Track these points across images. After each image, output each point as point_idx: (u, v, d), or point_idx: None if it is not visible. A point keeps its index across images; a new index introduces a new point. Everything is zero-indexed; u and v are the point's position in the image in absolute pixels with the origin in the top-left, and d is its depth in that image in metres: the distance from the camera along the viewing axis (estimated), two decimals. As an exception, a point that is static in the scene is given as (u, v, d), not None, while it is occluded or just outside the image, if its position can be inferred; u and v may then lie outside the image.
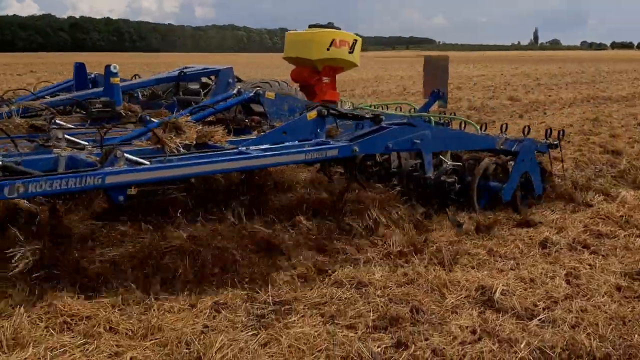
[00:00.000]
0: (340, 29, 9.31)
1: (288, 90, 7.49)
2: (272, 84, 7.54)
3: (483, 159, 5.30)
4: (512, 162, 5.33)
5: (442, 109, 10.06)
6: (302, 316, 3.30)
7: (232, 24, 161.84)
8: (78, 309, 3.21)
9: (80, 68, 8.19)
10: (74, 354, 2.79)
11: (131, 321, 3.16)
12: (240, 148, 4.32)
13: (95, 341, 2.93)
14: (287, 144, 4.64)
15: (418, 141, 4.77)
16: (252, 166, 4.32)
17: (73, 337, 2.97)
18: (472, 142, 5.50)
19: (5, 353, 2.79)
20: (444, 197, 5.08)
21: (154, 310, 3.30)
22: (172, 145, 4.20)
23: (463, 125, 6.47)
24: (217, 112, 5.78)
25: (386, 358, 2.90)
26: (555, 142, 5.79)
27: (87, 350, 2.86)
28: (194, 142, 4.42)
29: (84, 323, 3.12)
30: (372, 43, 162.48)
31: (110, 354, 2.85)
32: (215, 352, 2.80)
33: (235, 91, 5.96)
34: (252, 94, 5.89)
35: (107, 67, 6.73)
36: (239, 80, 8.33)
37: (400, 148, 4.90)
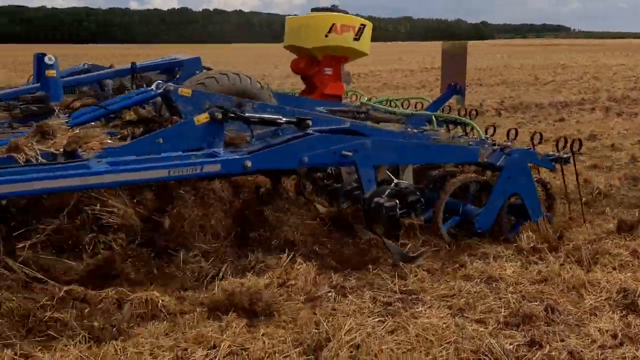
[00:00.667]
0: (347, 12, 7.93)
1: (249, 85, 6.01)
2: (230, 77, 6.02)
3: (461, 175, 4.39)
4: None
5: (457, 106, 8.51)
6: (429, 307, 3.26)
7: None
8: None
9: (40, 59, 6.80)
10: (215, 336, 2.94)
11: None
12: (91, 161, 3.39)
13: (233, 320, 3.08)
14: (155, 155, 3.61)
15: (349, 153, 3.80)
16: (84, 185, 3.23)
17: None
18: (443, 154, 4.35)
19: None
20: (387, 224, 3.89)
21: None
22: (30, 153, 3.50)
23: (466, 129, 5.50)
24: (109, 113, 4.93)
25: (518, 356, 2.79)
26: (566, 155, 4.59)
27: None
28: (62, 149, 3.68)
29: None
30: (500, 31, 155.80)
31: (244, 330, 3.00)
32: (344, 334, 2.85)
33: (153, 86, 4.89)
34: (160, 91, 4.86)
35: (41, 58, 6.06)
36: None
37: (322, 162, 3.94)
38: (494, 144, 4.46)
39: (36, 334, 2.88)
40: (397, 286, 3.52)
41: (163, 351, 2.77)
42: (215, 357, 2.73)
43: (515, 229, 4.45)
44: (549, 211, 4.64)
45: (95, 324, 2.95)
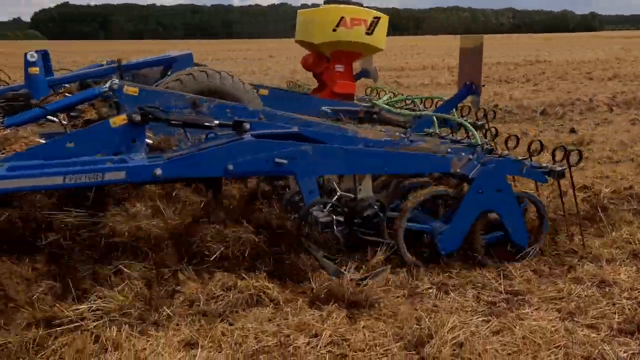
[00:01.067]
0: (361, 4, 7.31)
1: (228, 85, 5.59)
2: (209, 74, 5.59)
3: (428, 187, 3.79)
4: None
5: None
6: (536, 309, 3.15)
7: (456, 5, 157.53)
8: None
9: (44, 56, 6.85)
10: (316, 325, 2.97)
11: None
12: None
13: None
14: (59, 160, 3.29)
15: (283, 161, 3.42)
16: None
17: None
18: (406, 163, 3.74)
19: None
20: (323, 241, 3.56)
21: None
22: None
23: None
24: (48, 114, 4.53)
25: (633, 365, 2.63)
26: (561, 168, 3.80)
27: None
28: None
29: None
30: (611, 22, 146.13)
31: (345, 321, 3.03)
32: (447, 332, 2.81)
33: (107, 85, 4.47)
34: (105, 89, 4.43)
35: (25, 55, 5.92)
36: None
37: (254, 170, 3.58)
38: (483, 151, 3.96)
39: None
40: (502, 286, 3.43)
41: (267, 336, 2.86)
42: (317, 345, 2.79)
43: (489, 255, 3.81)
44: (538, 235, 3.90)
45: (206, 307, 3.10)
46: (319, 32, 7.09)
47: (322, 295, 3.23)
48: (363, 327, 2.97)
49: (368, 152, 3.73)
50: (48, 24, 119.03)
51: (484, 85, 6.23)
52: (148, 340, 2.81)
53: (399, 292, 3.37)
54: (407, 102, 6.95)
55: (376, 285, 3.32)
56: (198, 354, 2.71)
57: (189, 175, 3.47)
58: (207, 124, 3.72)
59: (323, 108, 5.78)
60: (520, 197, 3.81)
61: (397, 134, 4.46)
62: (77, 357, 2.67)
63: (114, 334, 2.80)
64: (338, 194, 3.67)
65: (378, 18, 7.06)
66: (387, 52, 21.20)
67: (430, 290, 3.39)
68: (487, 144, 4.21)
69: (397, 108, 6.52)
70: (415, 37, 76.07)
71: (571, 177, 3.90)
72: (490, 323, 2.97)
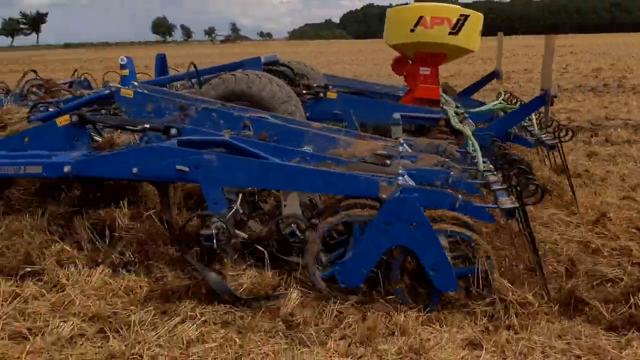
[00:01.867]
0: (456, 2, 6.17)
1: (254, 88, 5.30)
2: (237, 78, 5.39)
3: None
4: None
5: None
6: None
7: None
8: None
9: (162, 59, 7.47)
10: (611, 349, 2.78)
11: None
12: None
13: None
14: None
15: (184, 169, 3.35)
16: None
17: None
18: (324, 183, 3.35)
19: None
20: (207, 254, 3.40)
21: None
22: None
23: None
24: (62, 112, 4.39)
25: None
26: (512, 206, 3.08)
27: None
28: None
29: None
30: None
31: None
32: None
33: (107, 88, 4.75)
34: (106, 92, 4.67)
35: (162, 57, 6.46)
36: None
37: (158, 175, 3.51)
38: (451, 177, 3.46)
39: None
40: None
41: (555, 352, 2.75)
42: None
43: (434, 299, 3.22)
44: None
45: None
46: (395, 32, 6.49)
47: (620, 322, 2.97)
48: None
49: (282, 167, 3.49)
50: (354, 24, 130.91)
51: (555, 96, 5.23)
52: (432, 333, 2.91)
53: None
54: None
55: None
56: (482, 356, 2.72)
57: (96, 174, 3.65)
58: (137, 127, 3.93)
59: (394, 115, 5.18)
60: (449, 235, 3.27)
61: (396, 148, 4.00)
62: (368, 333, 2.88)
63: (402, 320, 2.96)
64: (234, 206, 3.53)
65: (465, 16, 6.13)
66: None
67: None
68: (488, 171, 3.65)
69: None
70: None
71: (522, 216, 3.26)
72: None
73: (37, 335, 2.91)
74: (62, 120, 3.92)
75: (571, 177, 5.13)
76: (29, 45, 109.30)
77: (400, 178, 3.28)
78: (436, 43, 6.23)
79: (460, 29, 6.13)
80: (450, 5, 6.30)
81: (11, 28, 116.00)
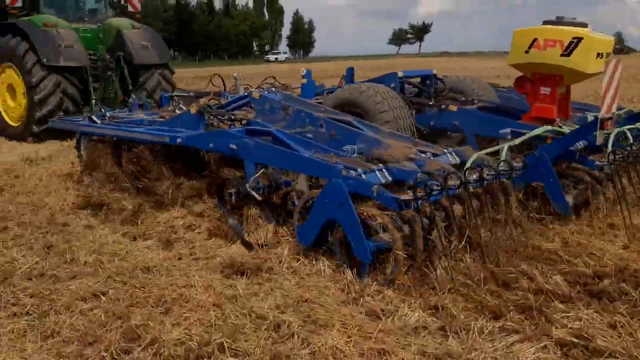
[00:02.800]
0: (585, 25, 6.24)
1: (360, 98, 6.35)
2: (351, 88, 6.61)
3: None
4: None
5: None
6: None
7: None
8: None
9: (351, 71, 8.59)
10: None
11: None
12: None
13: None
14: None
15: (234, 147, 4.72)
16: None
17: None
18: (301, 166, 4.46)
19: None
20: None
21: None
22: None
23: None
24: (223, 107, 5.98)
25: None
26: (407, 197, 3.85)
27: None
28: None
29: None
30: None
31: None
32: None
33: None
34: (246, 94, 6.24)
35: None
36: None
37: (222, 150, 4.98)
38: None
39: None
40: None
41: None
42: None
43: (363, 267, 3.89)
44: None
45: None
46: (514, 53, 6.65)
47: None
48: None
49: (284, 152, 4.53)
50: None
51: (610, 118, 5.01)
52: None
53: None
54: None
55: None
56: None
57: (193, 145, 5.28)
58: (224, 117, 5.50)
59: (502, 130, 5.71)
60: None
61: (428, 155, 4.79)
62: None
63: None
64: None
65: (579, 39, 6.11)
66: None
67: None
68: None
69: None
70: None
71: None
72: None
73: (389, 317, 3.31)
74: (192, 110, 5.64)
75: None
76: (412, 53, 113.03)
77: (358, 170, 4.14)
78: (548, 64, 6.37)
79: (572, 51, 6.16)
80: (565, 27, 6.35)
81: (399, 38, 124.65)
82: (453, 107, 6.59)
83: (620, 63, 5.21)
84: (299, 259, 4.14)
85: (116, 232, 4.87)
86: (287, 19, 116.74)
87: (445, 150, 4.94)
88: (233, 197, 4.69)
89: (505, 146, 5.27)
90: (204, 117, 5.47)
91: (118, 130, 5.95)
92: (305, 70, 7.79)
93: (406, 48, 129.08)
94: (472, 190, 4.17)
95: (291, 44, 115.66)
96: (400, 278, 3.73)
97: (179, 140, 5.16)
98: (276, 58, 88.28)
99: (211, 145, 4.97)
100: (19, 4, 10.41)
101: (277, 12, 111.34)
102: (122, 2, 11.45)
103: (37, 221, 5.23)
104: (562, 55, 6.15)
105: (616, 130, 5.39)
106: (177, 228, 4.93)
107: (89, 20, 11.08)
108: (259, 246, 4.38)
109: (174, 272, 4.03)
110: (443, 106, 6.69)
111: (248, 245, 4.48)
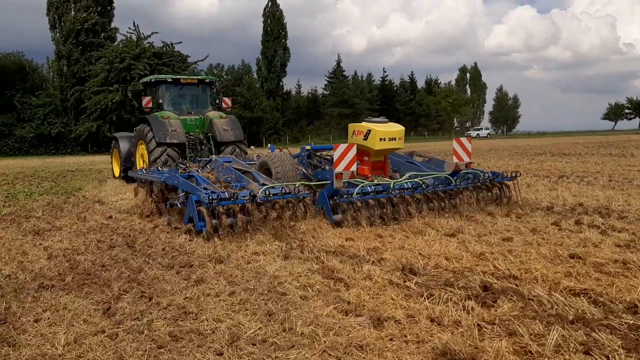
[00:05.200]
0: (386, 122, 10.39)
1: None
2: None
3: None
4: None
5: None
6: None
7: None
8: None
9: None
10: None
11: None
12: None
13: None
14: None
15: (175, 182, 9.82)
16: None
17: None
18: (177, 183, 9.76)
19: None
20: None
21: None
22: None
23: None
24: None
25: None
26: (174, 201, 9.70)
27: None
28: None
29: None
30: None
31: None
32: None
33: None
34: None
35: None
36: None
37: (171, 183, 10.08)
38: None
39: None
40: None
41: None
42: None
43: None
44: None
45: None
46: (349, 138, 10.48)
47: None
48: None
49: (187, 183, 9.30)
50: None
51: (341, 173, 8.82)
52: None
53: None
54: None
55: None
56: None
57: (166, 182, 10.40)
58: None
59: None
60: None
61: None
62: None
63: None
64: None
65: (370, 130, 10.06)
66: None
67: None
68: None
69: None
70: None
71: None
72: None
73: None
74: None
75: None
76: (630, 129, 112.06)
77: (209, 191, 8.45)
78: (359, 144, 9.91)
79: (367, 137, 10.06)
80: (364, 124, 10.27)
81: (616, 113, 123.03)
82: (327, 167, 10.38)
83: (349, 146, 8.89)
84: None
85: (328, 305, 5.03)
86: (491, 95, 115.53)
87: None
88: (168, 206, 9.42)
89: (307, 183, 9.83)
90: (177, 169, 10.56)
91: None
92: (270, 145, 12.69)
93: (623, 124, 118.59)
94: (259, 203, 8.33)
95: (494, 119, 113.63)
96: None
97: (162, 179, 10.22)
98: (478, 134, 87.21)
99: (170, 181, 9.80)
100: (151, 105, 15.68)
101: (481, 88, 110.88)
102: (219, 102, 16.53)
103: (259, 287, 5.66)
104: (363, 139, 10.05)
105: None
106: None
107: (195, 113, 15.98)
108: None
109: (386, 353, 4.02)
110: (322, 167, 10.68)
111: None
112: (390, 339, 4.29)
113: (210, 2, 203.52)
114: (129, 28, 59.22)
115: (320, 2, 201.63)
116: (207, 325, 4.63)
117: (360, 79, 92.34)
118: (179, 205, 8.84)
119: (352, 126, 10.48)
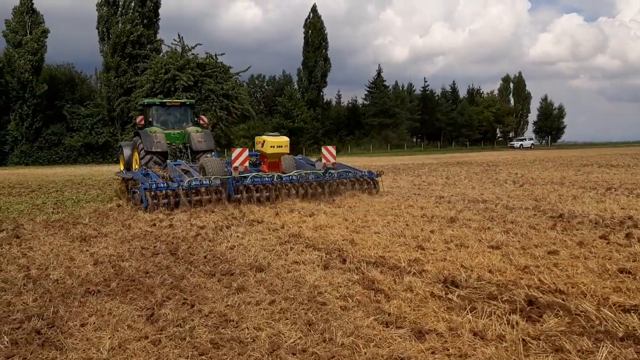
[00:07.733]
0: (277, 135, 15.80)
1: None
2: None
3: None
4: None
5: None
6: None
7: None
8: None
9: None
10: None
11: None
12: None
13: None
14: None
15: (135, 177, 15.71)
16: None
17: None
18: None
19: None
20: None
21: None
22: None
23: None
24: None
25: None
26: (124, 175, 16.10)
27: None
28: None
29: None
30: None
31: None
32: None
33: None
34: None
35: None
36: None
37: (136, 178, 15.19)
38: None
39: None
40: None
41: None
42: None
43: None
44: None
45: None
46: (255, 147, 16.13)
47: None
48: None
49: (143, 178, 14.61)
50: None
51: (236, 168, 14.03)
52: None
53: None
54: None
55: None
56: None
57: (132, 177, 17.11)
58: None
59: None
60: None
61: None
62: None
63: None
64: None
65: (264, 140, 15.23)
66: None
67: None
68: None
69: None
70: None
71: None
72: None
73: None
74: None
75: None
76: None
77: (153, 181, 13.40)
78: (259, 150, 15.23)
79: (263, 145, 15.05)
80: (262, 136, 15.23)
81: None
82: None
83: (243, 149, 14.25)
84: None
85: (369, 316, 4.99)
86: (535, 104, 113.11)
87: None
88: (131, 193, 14.06)
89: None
90: (142, 169, 15.02)
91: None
92: (214, 154, 17.72)
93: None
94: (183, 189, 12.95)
95: (538, 129, 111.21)
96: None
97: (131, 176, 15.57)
98: (521, 145, 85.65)
99: (135, 177, 14.86)
100: (143, 123, 19.06)
101: (525, 98, 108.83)
102: (197, 119, 20.32)
103: (299, 297, 5.66)
104: (261, 147, 15.13)
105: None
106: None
107: (177, 128, 19.64)
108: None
109: (427, 365, 3.95)
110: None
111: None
112: (432, 352, 4.23)
113: (254, 13, 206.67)
114: (174, 40, 60.13)
115: (364, 12, 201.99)
116: (247, 334, 4.66)
117: (401, 88, 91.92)
118: (137, 192, 13.46)
119: (256, 138, 15.76)
